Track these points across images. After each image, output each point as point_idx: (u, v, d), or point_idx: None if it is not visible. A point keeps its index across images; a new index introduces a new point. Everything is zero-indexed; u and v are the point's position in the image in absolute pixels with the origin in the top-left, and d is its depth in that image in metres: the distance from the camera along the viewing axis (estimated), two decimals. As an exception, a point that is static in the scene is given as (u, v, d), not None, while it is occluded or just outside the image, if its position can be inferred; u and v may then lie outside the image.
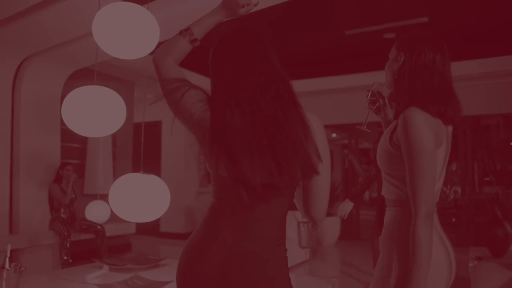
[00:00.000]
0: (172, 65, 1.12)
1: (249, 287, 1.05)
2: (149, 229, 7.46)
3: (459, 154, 6.56)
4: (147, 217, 2.36)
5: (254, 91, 1.04)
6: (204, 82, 1.16)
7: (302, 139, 1.04)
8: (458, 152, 6.54)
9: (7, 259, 1.95)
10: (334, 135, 9.81)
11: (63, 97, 4.57)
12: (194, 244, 1.12)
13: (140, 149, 5.77)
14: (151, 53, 2.21)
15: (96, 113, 2.33)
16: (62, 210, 4.56)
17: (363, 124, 1.69)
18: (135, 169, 6.31)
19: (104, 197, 4.81)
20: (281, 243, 1.12)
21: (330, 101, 7.10)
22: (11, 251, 1.93)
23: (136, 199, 2.30)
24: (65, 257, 4.35)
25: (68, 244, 4.40)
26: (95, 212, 4.83)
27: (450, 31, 5.06)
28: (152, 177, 2.38)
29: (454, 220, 7.33)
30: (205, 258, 1.07)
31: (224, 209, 1.10)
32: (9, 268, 1.93)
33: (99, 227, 4.71)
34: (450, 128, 1.37)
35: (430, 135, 1.22)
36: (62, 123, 4.53)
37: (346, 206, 2.99)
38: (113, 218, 4.83)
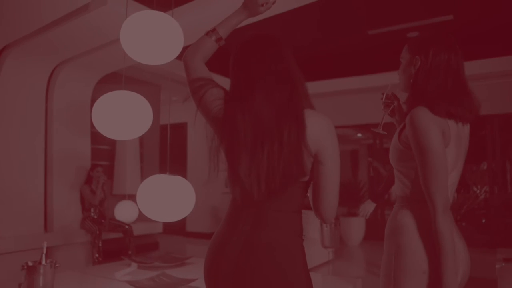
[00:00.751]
0: (199, 65, 1.23)
1: (262, 276, 1.10)
2: (176, 229, 7.59)
3: (488, 154, 6.39)
4: (173, 217, 2.43)
5: (260, 95, 1.10)
6: (228, 84, 1.24)
7: (293, 142, 1.07)
8: (487, 151, 6.36)
9: (43, 256, 2.06)
10: (359, 135, 9.70)
11: (93, 101, 4.72)
12: (216, 238, 1.20)
13: (166, 150, 5.90)
14: (178, 58, 2.29)
15: (124, 117, 2.41)
16: (92, 210, 4.68)
17: (379, 126, 1.70)
18: (162, 170, 6.41)
19: (132, 197, 4.92)
20: (295, 234, 1.15)
21: (354, 101, 7.05)
22: (47, 248, 2.04)
23: (163, 199, 2.37)
24: (97, 255, 4.48)
25: (100, 243, 4.54)
26: (123, 212, 4.91)
27: (475, 29, 4.95)
28: (178, 178, 2.44)
29: (483, 221, 7.13)
30: (225, 250, 1.15)
31: (240, 203, 1.17)
32: (45, 263, 2.05)
33: (127, 226, 4.80)
34: (466, 127, 1.37)
35: (437, 133, 1.25)
36: (92, 126, 4.67)
37: (368, 207, 2.98)
38: (141, 217, 4.94)
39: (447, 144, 1.29)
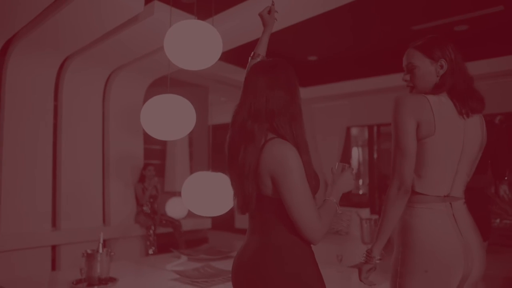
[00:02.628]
0: None
1: (266, 275, 1.20)
2: (225, 225, 7.79)
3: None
4: (215, 212, 2.58)
5: (236, 123, 1.28)
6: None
7: (251, 169, 1.21)
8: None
9: (100, 245, 2.30)
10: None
11: (144, 103, 4.97)
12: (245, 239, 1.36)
13: (216, 149, 6.07)
14: (222, 61, 2.43)
15: (169, 118, 2.60)
16: (145, 206, 4.94)
17: None
18: (212, 168, 6.57)
19: (182, 194, 5.13)
20: (299, 236, 1.21)
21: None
22: (105, 240, 2.27)
23: (205, 195, 2.53)
24: (152, 248, 4.75)
25: (155, 237, 4.81)
26: (174, 208, 5.11)
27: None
28: (219, 175, 2.60)
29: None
30: (242, 252, 1.31)
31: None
32: (101, 252, 2.28)
33: (177, 222, 5.04)
34: (473, 119, 1.41)
35: (409, 121, 1.33)
36: (144, 127, 4.92)
37: None
38: (191, 214, 5.13)
39: (430, 133, 1.34)
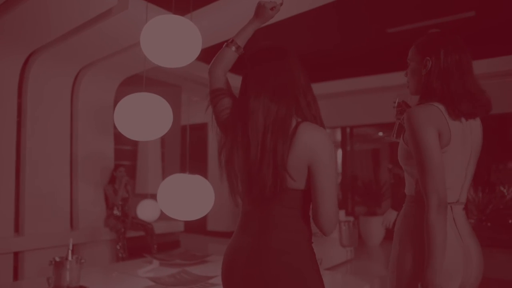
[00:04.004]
0: (220, 75, 1.34)
1: (269, 278, 1.14)
2: (197, 228, 7.68)
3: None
4: (192, 215, 2.48)
5: (255, 108, 1.16)
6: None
7: (279, 155, 1.12)
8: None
9: (70, 252, 2.16)
10: (380, 133, 9.60)
11: (115, 102, 4.82)
12: (231, 241, 1.27)
13: (186, 150, 5.98)
14: (196, 60, 2.34)
15: (144, 118, 2.49)
16: (115, 209, 4.77)
17: (392, 134, 1.70)
18: (183, 169, 6.48)
19: (154, 197, 4.99)
20: (304, 238, 1.18)
21: (374, 100, 6.99)
22: (73, 245, 2.13)
23: (182, 198, 2.42)
24: (121, 253, 4.59)
25: (124, 241, 4.65)
26: (146, 210, 4.98)
27: (498, 25, 4.84)
28: (197, 177, 2.50)
29: (510, 221, 6.95)
30: (236, 253, 1.22)
31: (248, 208, 1.24)
32: (71, 259, 2.14)
33: (149, 225, 4.90)
34: (474, 122, 1.37)
35: (431, 132, 1.26)
36: (115, 127, 4.75)
37: (390, 216, 2.98)
38: (163, 216, 5.02)
39: (447, 142, 1.29)
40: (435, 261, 1.20)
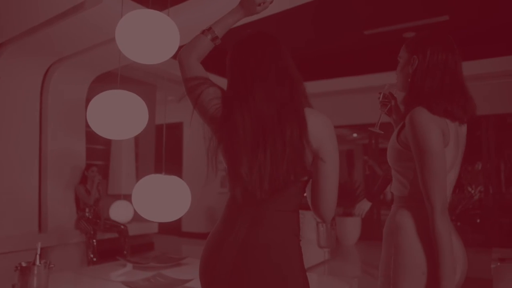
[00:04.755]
0: (195, 63, 1.21)
1: (259, 276, 1.09)
2: (171, 229, 7.56)
3: (483, 154, 6.42)
4: (169, 217, 2.42)
5: (260, 94, 1.09)
6: (224, 83, 1.23)
7: (295, 141, 1.07)
8: (481, 151, 6.40)
9: (38, 256, 2.04)
10: (355, 135, 9.73)
11: (87, 100, 4.70)
12: (212, 237, 1.19)
13: (162, 150, 5.87)
14: (173, 57, 2.28)
15: (119, 116, 2.40)
16: (87, 210, 4.66)
17: (376, 125, 1.70)
18: (157, 170, 6.40)
19: (128, 197, 4.90)
20: (294, 233, 1.15)
21: (350, 101, 7.07)
22: (41, 249, 2.02)
23: (158, 199, 2.36)
24: (91, 256, 4.47)
25: (95, 243, 4.52)
26: (118, 212, 4.90)
27: (471, 30, 4.97)
28: (174, 178, 2.43)
29: (478, 221, 7.18)
30: (222, 249, 1.14)
31: (238, 203, 1.15)
32: (39, 264, 2.02)
33: (122, 226, 4.79)
34: (463, 127, 1.37)
35: (437, 134, 1.24)
36: (87, 125, 4.64)
37: (364, 206, 2.99)
38: (136, 217, 4.92)
39: (446, 143, 1.29)
40: (449, 265, 1.20)
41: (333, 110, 7.32)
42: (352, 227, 6.74)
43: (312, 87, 6.58)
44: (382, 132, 1.72)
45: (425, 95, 1.32)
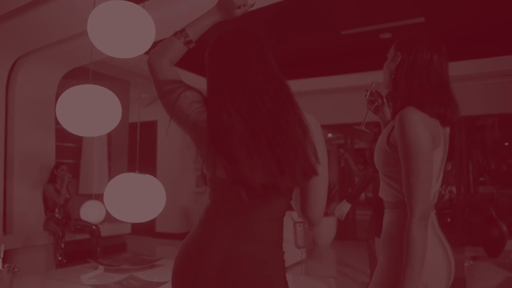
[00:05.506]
0: (167, 66, 1.11)
1: (241, 283, 1.04)
2: (145, 229, 7.44)
3: (455, 154, 6.60)
4: (143, 217, 2.35)
5: (251, 91, 1.03)
6: (199, 81, 1.16)
7: (301, 139, 1.03)
8: (453, 152, 6.57)
9: (0, 260, 1.93)
10: (330, 135, 9.82)
11: (57, 96, 4.54)
12: (190, 245, 1.11)
13: (135, 149, 5.76)
14: (147, 52, 2.20)
15: (91, 112, 2.32)
16: (56, 210, 4.54)
17: (362, 124, 1.69)
18: (131, 169, 6.29)
19: (99, 197, 4.78)
20: (278, 245, 1.12)
21: (326, 101, 7.11)
22: (5, 251, 1.91)
23: (132, 199, 2.29)
24: (60, 258, 4.33)
25: (62, 245, 4.38)
26: (90, 212, 4.81)
27: (447, 31, 5.08)
28: (148, 177, 2.37)
29: (449, 220, 7.37)
30: (202, 260, 1.06)
31: (221, 211, 1.09)
32: (2, 269, 1.91)
33: (94, 227, 4.70)
34: (448, 129, 1.36)
35: (427, 136, 1.21)
36: (57, 122, 4.49)
37: (343, 207, 2.99)
38: (108, 218, 4.81)
39: (437, 146, 1.27)
40: (414, 270, 1.16)
41: (308, 110, 7.29)
42: (327, 227, 6.78)
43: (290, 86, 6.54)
44: (368, 131, 1.70)
45: (416, 95, 1.29)
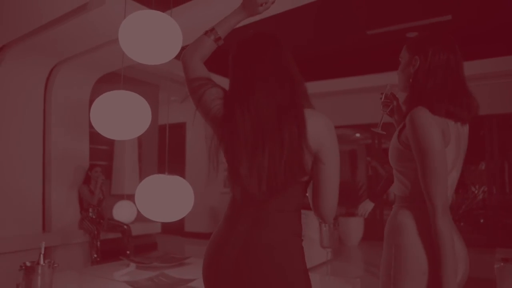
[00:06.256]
0: (198, 64, 1.22)
1: (261, 276, 1.10)
2: (175, 229, 7.57)
3: (487, 154, 6.40)
4: (171, 217, 2.42)
5: (261, 93, 1.10)
6: (227, 84, 1.23)
7: (294, 142, 1.07)
8: (485, 151, 6.37)
9: (42, 256, 2.05)
10: (357, 135, 9.71)
11: (91, 100, 4.71)
12: (215, 238, 1.20)
13: (165, 150, 5.89)
14: (176, 58, 2.29)
15: (122, 116, 2.40)
16: (90, 210, 4.66)
17: (378, 126, 1.69)
18: (160, 170, 6.40)
19: (131, 197, 4.91)
20: (294, 234, 1.15)
21: (353, 101, 7.06)
22: (45, 248, 2.03)
23: (161, 199, 2.36)
24: (95, 256, 4.47)
25: (98, 243, 4.52)
26: (122, 212, 4.90)
27: (474, 29, 4.96)
28: (176, 178, 2.43)
29: (482, 221, 7.16)
30: (224, 250, 1.15)
31: (239, 205, 1.16)
32: (43, 264, 2.03)
33: (125, 226, 4.80)
34: (465, 127, 1.37)
35: (438, 134, 1.24)
36: (91, 126, 4.63)
37: (367, 206, 2.99)
38: (140, 217, 4.92)
39: (447, 144, 1.28)
40: (450, 265, 1.19)
41: (335, 110, 7.32)
42: (355, 228, 6.73)
43: (314, 87, 6.58)
44: (384, 133, 1.71)
45: (426, 95, 1.31)
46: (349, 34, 5.16)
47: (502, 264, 2.94)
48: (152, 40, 2.22)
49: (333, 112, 7.37)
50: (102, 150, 5.58)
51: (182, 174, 7.70)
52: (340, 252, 6.14)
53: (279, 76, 1.13)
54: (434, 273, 1.25)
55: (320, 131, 1.11)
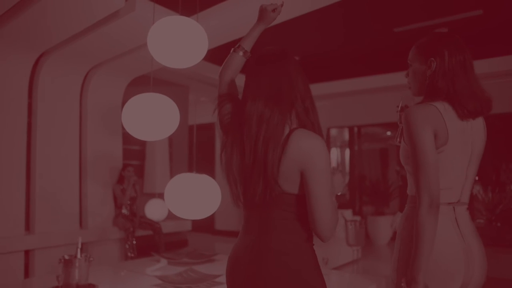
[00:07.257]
0: (229, 80, 1.38)
1: (272, 282, 1.15)
2: (205, 227, 7.71)
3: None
4: (199, 215, 2.49)
5: (253, 114, 1.17)
6: None
7: (274, 164, 1.13)
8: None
9: (79, 250, 2.19)
10: (388, 133, 9.55)
11: (123, 103, 4.85)
12: (237, 239, 1.29)
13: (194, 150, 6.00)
14: (204, 60, 2.36)
15: (152, 118, 2.50)
16: (124, 208, 4.82)
17: (396, 138, 1.68)
18: (191, 169, 6.51)
19: (162, 196, 5.02)
20: (301, 239, 1.19)
21: (382, 99, 6.97)
22: (81, 244, 2.16)
23: (188, 197, 2.43)
24: (130, 253, 4.62)
25: (134, 241, 4.67)
26: (154, 210, 4.97)
27: (505, 24, 4.79)
28: (204, 177, 2.50)
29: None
30: (239, 253, 1.24)
31: (248, 209, 1.26)
32: (80, 257, 2.17)
33: (156, 224, 4.93)
34: (478, 122, 1.37)
35: (426, 131, 1.27)
36: (123, 127, 4.77)
37: (399, 219, 2.98)
38: (171, 215, 5.04)
39: (444, 142, 1.30)
40: (421, 258, 1.22)
41: (365, 109, 7.25)
42: (384, 227, 6.65)
43: (343, 86, 6.54)
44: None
45: (444, 96, 1.33)
46: (375, 32, 5.10)
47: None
48: (179, 44, 2.29)
49: (363, 110, 7.31)
50: (135, 150, 5.71)
51: (212, 173, 7.83)
52: (369, 251, 6.09)
53: (272, 97, 1.18)
54: (407, 263, 1.29)
55: (305, 151, 1.12)
